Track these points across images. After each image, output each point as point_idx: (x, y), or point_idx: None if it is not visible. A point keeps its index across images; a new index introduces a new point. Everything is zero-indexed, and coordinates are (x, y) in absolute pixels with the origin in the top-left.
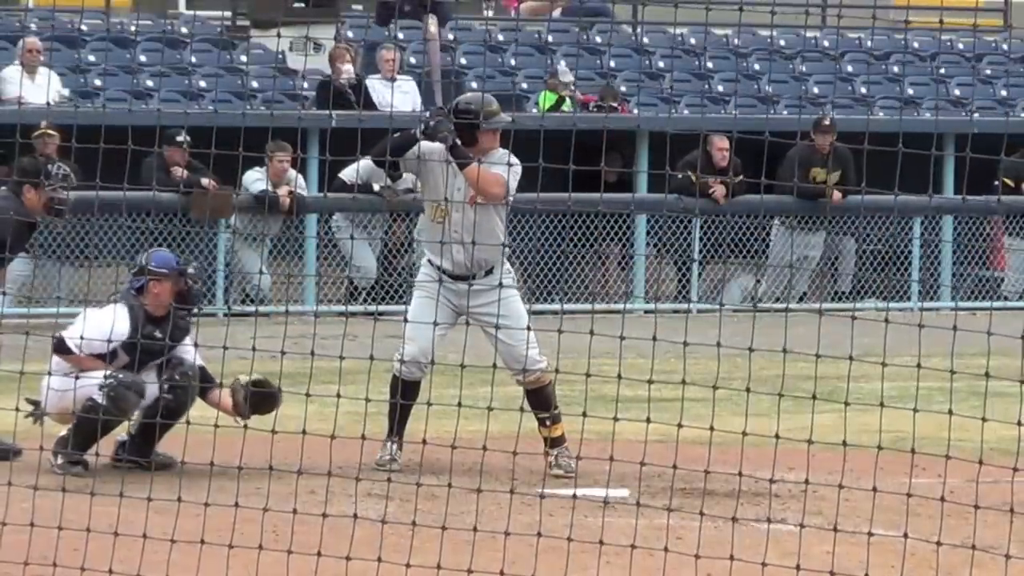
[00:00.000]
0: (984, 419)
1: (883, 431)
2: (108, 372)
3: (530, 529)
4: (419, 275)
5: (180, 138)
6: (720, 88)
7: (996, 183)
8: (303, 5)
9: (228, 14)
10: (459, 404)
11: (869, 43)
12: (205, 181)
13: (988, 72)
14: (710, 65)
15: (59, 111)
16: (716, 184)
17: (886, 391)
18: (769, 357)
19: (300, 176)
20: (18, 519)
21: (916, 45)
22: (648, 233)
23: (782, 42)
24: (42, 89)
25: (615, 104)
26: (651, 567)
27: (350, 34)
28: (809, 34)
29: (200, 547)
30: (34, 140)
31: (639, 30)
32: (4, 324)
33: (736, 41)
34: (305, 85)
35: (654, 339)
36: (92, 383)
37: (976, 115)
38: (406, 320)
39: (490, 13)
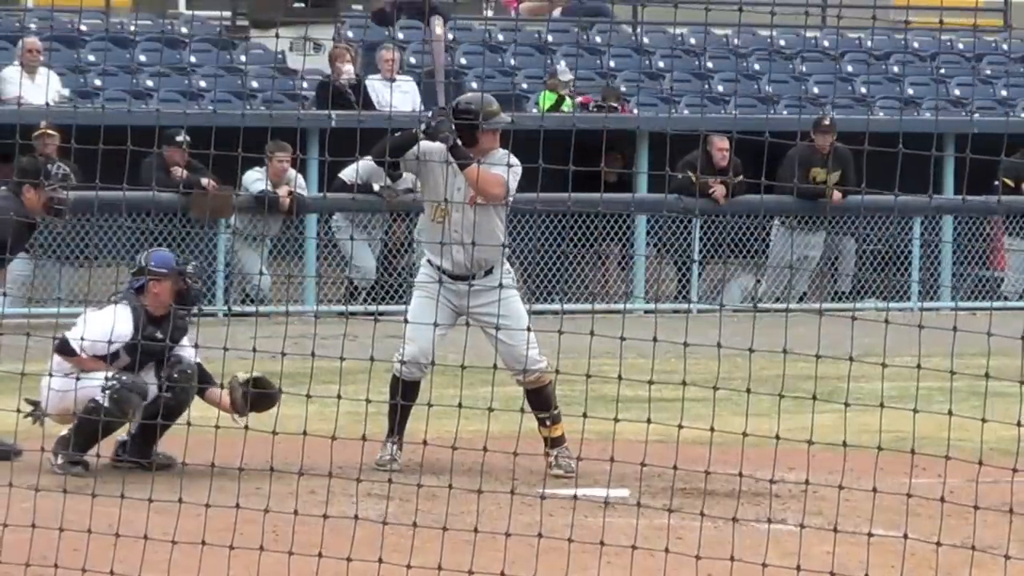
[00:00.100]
0: (984, 420)
1: (883, 431)
2: (110, 373)
3: (530, 529)
4: (419, 275)
5: (180, 138)
6: (720, 88)
7: (996, 183)
8: (303, 5)
9: (228, 14)
10: (459, 405)
11: (869, 43)
12: (205, 181)
13: (988, 72)
14: (710, 65)
15: (58, 111)
16: (716, 184)
17: (886, 391)
18: (769, 357)
19: (300, 176)
20: (19, 519)
21: (916, 45)
22: (648, 233)
23: (782, 42)
24: (42, 89)
25: (615, 104)
26: (651, 567)
27: (350, 34)
28: (809, 34)
29: (201, 548)
30: (34, 140)
31: (639, 30)
32: (4, 324)
33: (736, 41)
34: (305, 85)
35: (654, 340)
36: (93, 384)
37: (976, 115)
38: (406, 321)
39: (490, 13)
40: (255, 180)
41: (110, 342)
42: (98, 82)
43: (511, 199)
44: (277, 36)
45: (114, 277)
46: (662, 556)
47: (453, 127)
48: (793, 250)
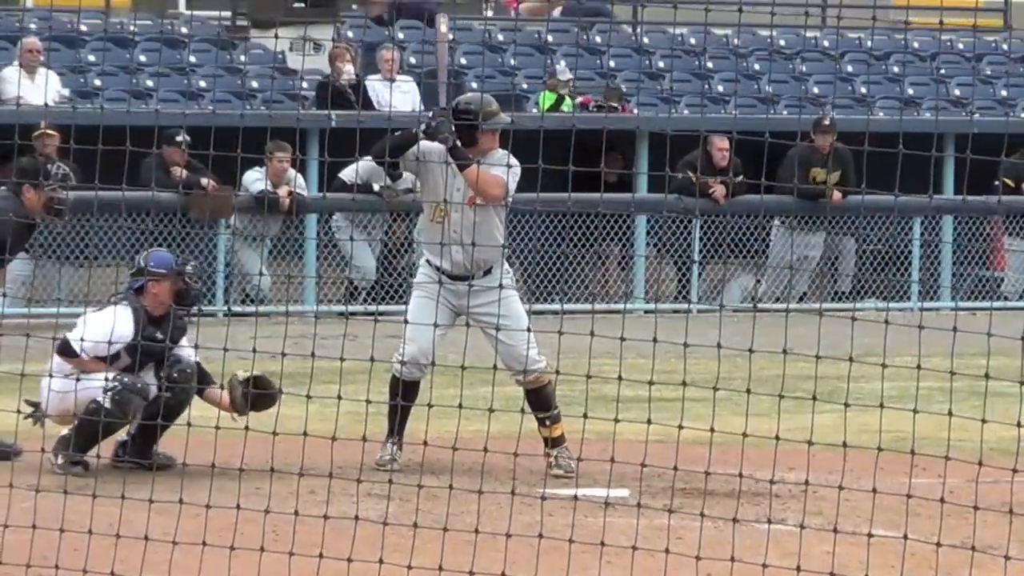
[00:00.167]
0: (984, 420)
1: (883, 431)
2: (112, 375)
3: (530, 529)
4: (417, 275)
5: (179, 138)
6: (720, 88)
7: (996, 183)
8: (303, 5)
9: (228, 14)
10: (460, 406)
11: (869, 43)
12: (204, 181)
13: (988, 72)
14: (710, 65)
15: (57, 111)
16: (716, 184)
17: (886, 391)
18: (769, 357)
19: (300, 176)
20: (19, 520)
21: (916, 45)
22: (648, 233)
23: (782, 42)
24: (42, 89)
25: (615, 104)
26: (652, 567)
27: (350, 34)
28: (809, 34)
29: (202, 549)
30: (34, 140)
31: (639, 30)
32: (4, 324)
33: (736, 41)
34: (305, 85)
35: (654, 340)
36: (94, 385)
37: (976, 115)
38: (406, 322)
39: (490, 13)
40: (255, 180)
41: (110, 343)
42: (98, 82)
43: (510, 200)
44: (276, 37)
45: (114, 277)
46: (662, 556)
47: (453, 128)
48: (793, 250)
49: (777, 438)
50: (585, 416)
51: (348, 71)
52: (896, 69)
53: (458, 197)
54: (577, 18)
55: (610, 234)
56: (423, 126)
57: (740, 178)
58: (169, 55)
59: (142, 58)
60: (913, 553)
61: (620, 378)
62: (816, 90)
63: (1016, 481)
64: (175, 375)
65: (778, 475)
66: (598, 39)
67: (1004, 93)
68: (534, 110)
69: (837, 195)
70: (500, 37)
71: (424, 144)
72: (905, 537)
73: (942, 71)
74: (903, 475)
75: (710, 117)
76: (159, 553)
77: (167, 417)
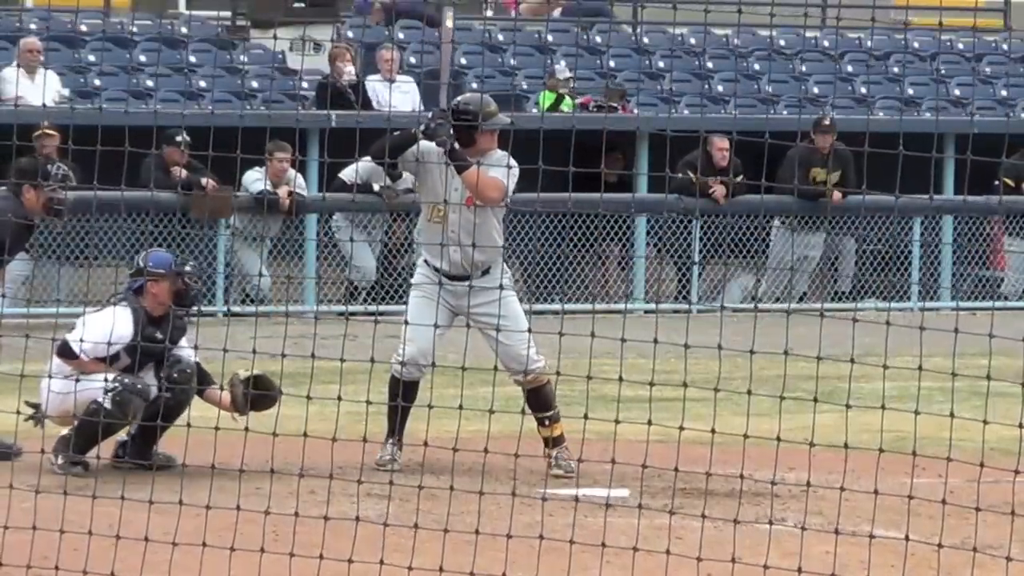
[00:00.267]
0: (985, 422)
1: (884, 431)
2: (112, 376)
3: (531, 529)
4: (415, 275)
5: (179, 138)
6: (720, 88)
7: (996, 183)
8: (303, 5)
9: (228, 14)
10: (460, 407)
11: (869, 43)
12: (204, 181)
13: (988, 72)
14: (710, 65)
15: (56, 111)
16: (716, 184)
17: (887, 391)
18: (770, 357)
19: (300, 176)
20: (20, 520)
21: (916, 45)
22: (648, 233)
23: (782, 42)
24: (41, 89)
25: (615, 104)
26: (652, 567)
27: (350, 34)
28: (809, 34)
29: (202, 549)
30: (34, 140)
31: (639, 30)
32: (4, 324)
33: (736, 41)
34: (305, 85)
35: (655, 342)
36: (94, 386)
37: (976, 115)
38: (406, 322)
39: (490, 13)
40: (255, 180)
41: (110, 344)
42: (98, 82)
43: (508, 201)
44: (275, 38)
45: (113, 278)
46: (662, 556)
47: (451, 130)
48: (793, 250)
49: (778, 439)
50: (586, 417)
51: (349, 71)
52: (896, 69)
53: (456, 197)
54: (577, 18)
55: (610, 234)
56: (422, 127)
57: (740, 178)
58: (169, 55)
59: (142, 58)
60: (914, 553)
61: (621, 379)
62: (816, 90)
63: (1018, 482)
64: (175, 375)
65: (779, 475)
66: (598, 39)
67: (1004, 93)
68: (534, 110)
69: (837, 195)
70: (500, 37)
71: (423, 144)
72: (907, 539)
73: (942, 71)
74: (904, 475)
75: (710, 117)
76: (159, 553)
77: (167, 418)
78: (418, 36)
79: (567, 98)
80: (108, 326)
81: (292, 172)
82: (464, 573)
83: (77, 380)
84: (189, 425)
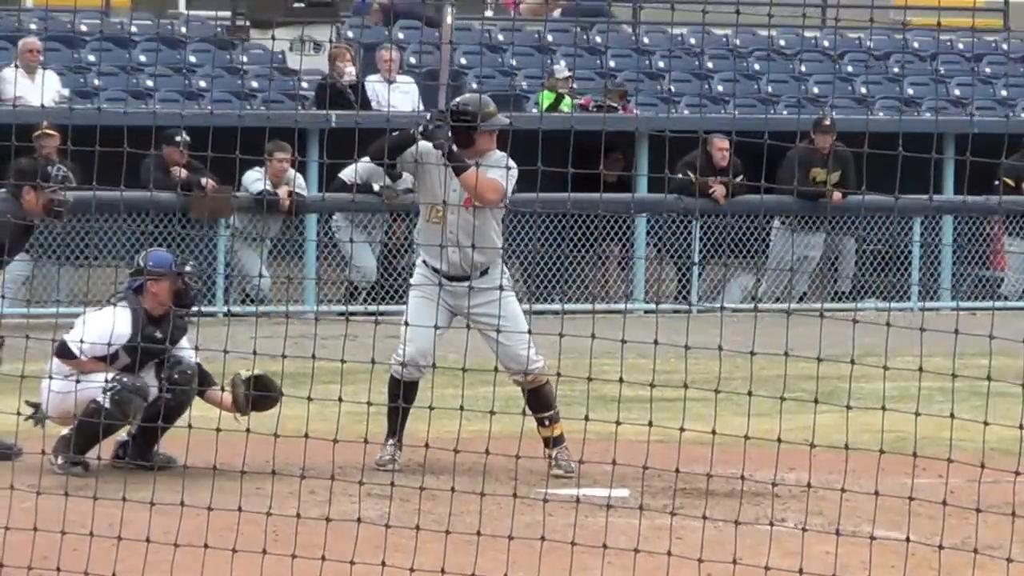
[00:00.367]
0: (986, 423)
1: (884, 431)
2: (111, 375)
3: (531, 529)
4: (414, 276)
5: (179, 138)
6: (720, 88)
7: (996, 183)
8: (302, 5)
9: (227, 14)
10: (461, 408)
11: (869, 43)
12: (204, 181)
13: (988, 72)
14: (710, 65)
15: (55, 111)
16: (716, 184)
17: (887, 391)
18: (770, 358)
19: (300, 176)
20: (20, 520)
21: (916, 45)
22: (648, 233)
23: (782, 42)
24: (41, 89)
25: (615, 104)
26: (652, 567)
27: (349, 34)
28: (809, 34)
29: (204, 550)
30: (34, 140)
31: (639, 30)
32: (4, 324)
33: (736, 41)
34: (304, 85)
35: (655, 343)
36: (94, 386)
37: (976, 115)
38: (406, 323)
39: (490, 13)
40: (255, 180)
41: (109, 344)
42: (97, 82)
43: (507, 202)
44: (273, 38)
45: (113, 278)
46: (663, 557)
47: (449, 132)
48: (793, 250)
49: (779, 440)
50: (586, 419)
51: (349, 72)
52: (896, 69)
53: (455, 198)
54: (577, 18)
55: (610, 234)
56: (420, 128)
57: (740, 178)
58: (168, 55)
59: (142, 58)
60: (914, 554)
61: (621, 380)
62: (816, 90)
63: (1018, 482)
64: (176, 376)
65: (779, 476)
66: (598, 39)
67: (1004, 93)
68: (534, 110)
69: (837, 195)
70: (500, 37)
71: (422, 145)
72: (907, 540)
73: (942, 71)
74: (904, 475)
75: (710, 117)
76: (159, 553)
77: (167, 419)
78: (418, 36)
79: (566, 98)
80: (106, 325)
81: (292, 172)
82: (465, 574)
83: (77, 381)
84: (190, 426)
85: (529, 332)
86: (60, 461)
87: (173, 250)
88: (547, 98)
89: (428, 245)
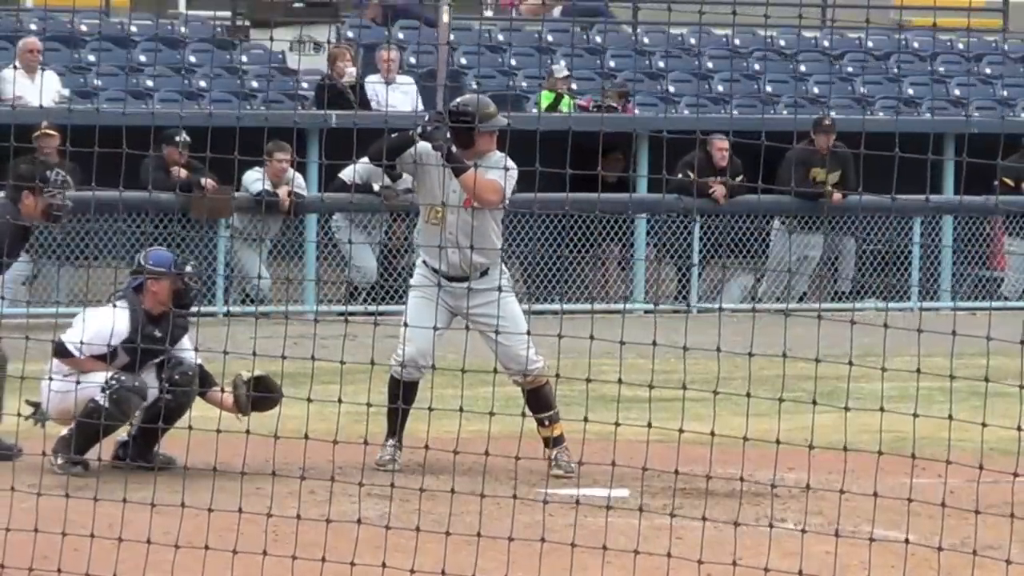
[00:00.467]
0: (984, 424)
1: (883, 431)
2: (110, 374)
3: (531, 529)
4: (414, 276)
5: (179, 138)
6: (720, 88)
7: (996, 183)
8: (302, 5)
9: (227, 14)
10: (460, 409)
11: (869, 43)
12: (203, 181)
13: (988, 72)
14: (710, 65)
15: (54, 111)
16: (716, 184)
17: (886, 391)
18: (769, 358)
19: (299, 176)
20: (21, 521)
21: (916, 45)
22: (648, 233)
23: (782, 42)
24: (41, 90)
25: (615, 104)
26: (652, 567)
27: (349, 34)
28: (809, 34)
29: (205, 551)
30: (34, 140)
31: (638, 30)
32: (4, 324)
33: (736, 41)
34: (304, 85)
35: (654, 344)
36: (94, 385)
37: (976, 115)
38: (405, 324)
39: (490, 13)
40: (255, 180)
41: (109, 344)
42: (97, 82)
43: (506, 203)
44: (272, 39)
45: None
46: (663, 556)
47: (448, 134)
48: (793, 250)
49: (778, 442)
50: (586, 420)
51: (350, 72)
52: (896, 69)
53: (454, 199)
54: (575, 18)
55: (610, 234)
56: (419, 129)
57: (740, 178)
58: (168, 55)
59: (141, 58)
60: (914, 554)
61: (620, 381)
62: (816, 90)
63: (1017, 483)
64: (177, 377)
65: (778, 476)
66: (598, 39)
67: (1004, 93)
68: (533, 110)
69: (837, 195)
70: (500, 37)
71: (421, 146)
72: (907, 542)
73: (941, 70)
74: (904, 475)
75: (710, 117)
76: (159, 553)
77: (167, 419)
78: (418, 36)
79: (566, 98)
80: (105, 324)
81: (291, 172)
82: (465, 575)
83: (77, 382)
84: (190, 427)
85: (528, 333)
86: (60, 461)
87: (173, 250)
88: (547, 98)
89: (428, 246)
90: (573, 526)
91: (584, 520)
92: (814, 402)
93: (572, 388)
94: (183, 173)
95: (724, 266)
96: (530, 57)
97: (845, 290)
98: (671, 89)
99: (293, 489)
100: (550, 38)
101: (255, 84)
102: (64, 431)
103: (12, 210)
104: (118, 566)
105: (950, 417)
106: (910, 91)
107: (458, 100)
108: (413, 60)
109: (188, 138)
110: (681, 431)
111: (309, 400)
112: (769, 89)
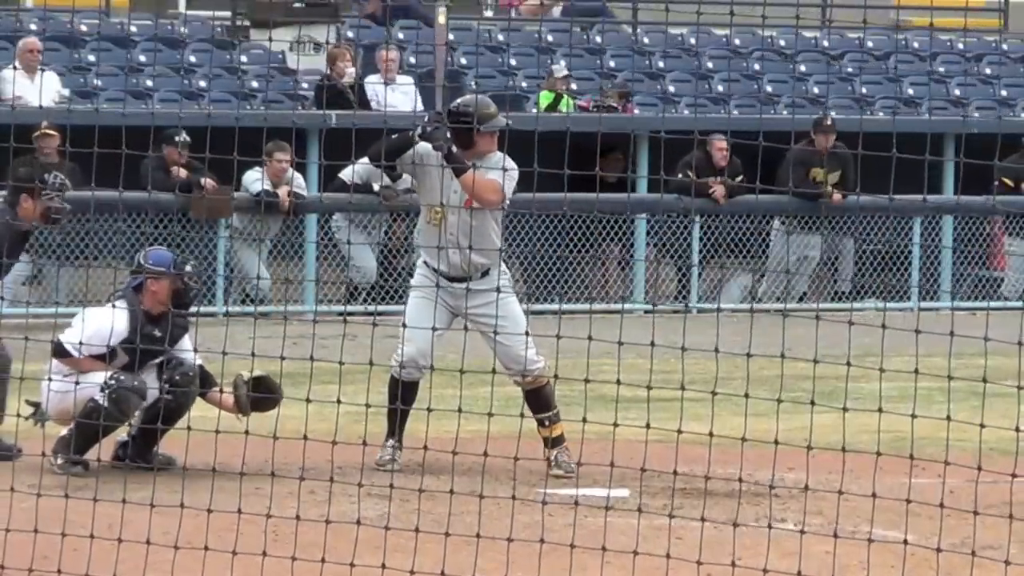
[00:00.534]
0: (983, 424)
1: (883, 431)
2: (110, 374)
3: (530, 529)
4: (415, 277)
5: (179, 138)
6: (719, 88)
7: (995, 183)
8: (302, 5)
9: (227, 14)
10: (459, 410)
11: (869, 43)
12: (203, 181)
13: (987, 72)
14: (710, 65)
15: (54, 111)
16: (716, 184)
17: (886, 391)
18: (769, 358)
19: (299, 176)
20: (20, 521)
21: (916, 45)
22: (648, 233)
23: (781, 42)
24: (41, 89)
25: (615, 104)
26: (651, 567)
27: (349, 34)
28: (808, 34)
29: (205, 552)
30: (34, 140)
31: (638, 30)
32: (4, 324)
33: (736, 41)
34: (304, 85)
35: (652, 344)
36: (93, 385)
37: (976, 115)
38: (405, 325)
39: (490, 13)
40: (255, 180)
41: (108, 344)
42: (97, 82)
43: (507, 203)
44: (271, 39)
45: (113, 278)
46: (662, 557)
47: (448, 134)
48: (793, 250)
49: (776, 442)
50: (584, 420)
51: (350, 72)
52: (895, 69)
53: (455, 199)
54: (576, 18)
55: (610, 234)
56: (419, 130)
57: (740, 179)
58: (168, 55)
59: (141, 58)
60: (913, 554)
61: (619, 382)
62: (816, 90)
63: (1016, 483)
64: (177, 378)
65: (778, 476)
66: (597, 39)
67: (1003, 93)
68: (533, 110)
69: (837, 195)
70: (500, 37)
71: (421, 146)
72: (905, 542)
73: (941, 70)
74: (903, 475)
75: (709, 117)
76: (159, 552)
77: (167, 420)
78: (418, 36)
79: (566, 98)
80: (103, 323)
81: (291, 172)
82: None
83: (77, 382)
84: (190, 428)
85: (527, 334)
86: (60, 461)
87: (173, 250)
88: (546, 98)
89: (428, 246)
90: (572, 526)
91: (583, 520)
92: (813, 402)
93: (571, 388)
94: (183, 173)
95: (723, 266)
96: (530, 57)
97: (844, 290)
98: (671, 89)
99: (292, 489)
100: (550, 38)
101: (255, 84)
102: (64, 431)
103: (9, 214)
104: (118, 566)
105: (949, 417)
106: (909, 91)
107: (458, 101)
108: (413, 60)
109: (188, 138)
110: (680, 431)
111: (308, 400)
112: (769, 89)
